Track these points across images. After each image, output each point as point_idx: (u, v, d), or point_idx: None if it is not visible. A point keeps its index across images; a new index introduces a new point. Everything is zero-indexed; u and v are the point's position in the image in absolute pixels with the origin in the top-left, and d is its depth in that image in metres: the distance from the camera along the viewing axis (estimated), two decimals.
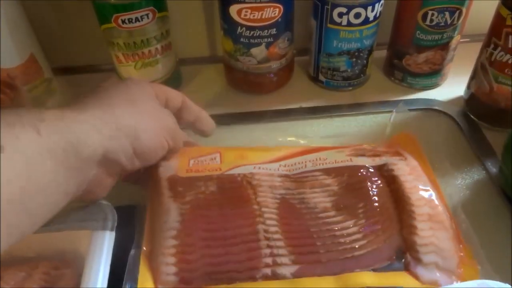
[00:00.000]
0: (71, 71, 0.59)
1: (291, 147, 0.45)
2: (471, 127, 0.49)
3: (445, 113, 0.51)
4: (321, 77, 0.54)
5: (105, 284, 0.30)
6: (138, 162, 0.34)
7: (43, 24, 0.51)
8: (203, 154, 0.44)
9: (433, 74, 0.53)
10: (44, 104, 0.50)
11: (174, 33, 0.51)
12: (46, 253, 0.33)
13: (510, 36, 0.41)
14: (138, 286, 0.32)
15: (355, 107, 0.52)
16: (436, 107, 0.52)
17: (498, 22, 0.42)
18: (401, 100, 0.53)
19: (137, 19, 0.46)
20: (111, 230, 0.32)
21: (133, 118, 0.32)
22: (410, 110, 0.51)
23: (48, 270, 0.32)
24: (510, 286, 0.30)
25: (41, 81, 0.49)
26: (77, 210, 0.33)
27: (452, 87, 0.54)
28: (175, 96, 0.39)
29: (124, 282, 0.32)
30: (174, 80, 0.55)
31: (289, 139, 0.49)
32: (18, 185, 0.25)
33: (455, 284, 0.31)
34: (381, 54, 0.57)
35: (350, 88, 0.54)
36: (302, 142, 0.48)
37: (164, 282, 0.33)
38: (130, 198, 0.41)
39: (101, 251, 0.31)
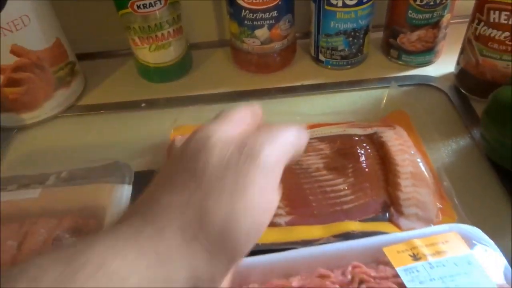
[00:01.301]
0: (91, 57, 0.64)
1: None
2: (461, 100, 0.52)
3: (437, 88, 0.55)
4: (321, 57, 0.58)
5: None
6: (241, 255, 0.23)
7: (67, 12, 0.57)
8: None
9: (426, 52, 0.56)
10: (69, 83, 0.55)
11: (185, 20, 0.56)
12: (72, 205, 0.38)
13: (491, 11, 0.44)
14: None
15: (354, 84, 0.56)
16: (430, 83, 0.55)
17: None
18: (397, 77, 0.57)
19: (150, 5, 0.51)
20: (129, 184, 0.37)
21: (206, 203, 0.22)
22: (405, 85, 0.55)
23: (76, 219, 0.38)
24: (477, 228, 0.34)
25: (66, 64, 0.55)
26: (99, 168, 0.38)
27: (445, 64, 0.57)
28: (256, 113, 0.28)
29: None
30: (185, 62, 0.59)
31: (289, 116, 0.53)
32: None
33: (429, 228, 0.35)
34: (379, 35, 0.60)
35: (349, 66, 0.58)
36: (298, 118, 0.52)
37: None
38: (149, 165, 0.46)
39: (120, 201, 0.36)
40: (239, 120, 0.26)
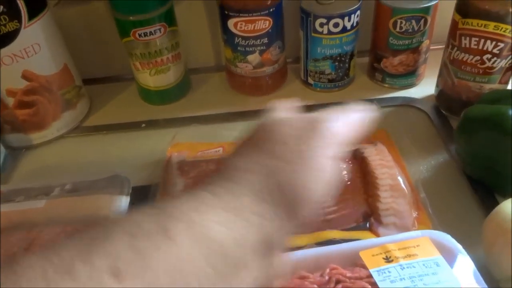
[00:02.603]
0: (96, 81, 0.68)
1: None
2: (441, 119, 0.55)
3: (419, 109, 0.58)
4: (310, 80, 0.62)
5: None
6: (308, 212, 0.25)
7: (74, 40, 0.61)
8: (209, 148, 0.53)
9: (408, 75, 0.60)
10: (75, 105, 0.59)
11: (185, 46, 0.61)
12: (76, 214, 0.42)
13: (462, 37, 0.48)
14: None
15: (340, 106, 0.60)
16: (412, 104, 0.59)
17: (453, 26, 0.50)
18: (382, 99, 0.60)
19: (151, 33, 0.55)
20: (127, 195, 0.41)
21: (275, 168, 0.25)
22: (390, 106, 0.59)
23: (78, 227, 0.41)
24: (447, 234, 0.37)
25: (72, 87, 0.59)
26: (100, 181, 0.42)
27: (427, 86, 0.61)
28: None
29: None
30: (183, 86, 0.63)
31: None
32: None
33: (402, 234, 0.38)
34: (365, 59, 0.64)
35: (336, 89, 0.62)
36: None
37: None
38: (146, 179, 0.50)
39: (119, 211, 0.40)
40: (287, 108, 0.31)
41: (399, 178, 0.45)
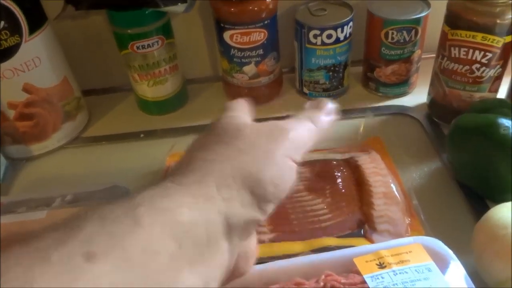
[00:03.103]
0: (95, 93, 0.69)
1: None
2: (433, 127, 0.57)
3: (412, 117, 0.59)
4: (305, 90, 0.63)
5: None
6: (270, 205, 0.27)
7: (74, 53, 0.62)
8: None
9: (401, 84, 0.61)
10: (74, 116, 0.60)
11: (182, 58, 0.62)
12: None
13: (452, 48, 0.50)
14: None
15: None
16: (405, 112, 0.60)
17: (443, 37, 0.51)
18: (375, 107, 0.62)
19: (149, 45, 0.56)
20: None
21: (241, 159, 0.26)
22: (383, 115, 0.60)
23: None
24: (439, 240, 0.38)
25: (72, 99, 0.60)
26: (100, 191, 0.43)
27: (420, 94, 0.62)
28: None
29: None
30: (181, 96, 0.65)
31: None
32: None
33: (395, 240, 0.39)
34: (359, 69, 0.66)
35: (331, 98, 0.63)
36: None
37: None
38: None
39: None
40: (246, 109, 0.33)
41: (392, 185, 0.46)
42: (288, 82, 0.67)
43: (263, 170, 0.26)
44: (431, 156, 0.53)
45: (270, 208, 0.27)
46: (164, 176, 0.50)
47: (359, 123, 0.58)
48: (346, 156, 0.50)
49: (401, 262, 0.36)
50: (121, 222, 0.21)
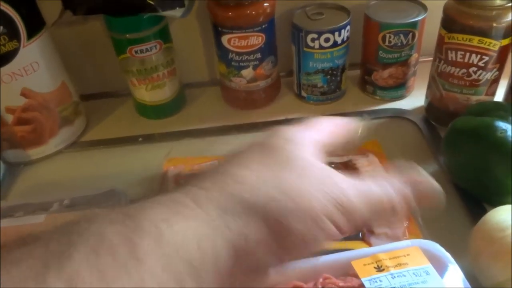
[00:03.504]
0: (93, 97, 0.70)
1: None
2: (430, 130, 0.57)
3: (409, 120, 0.60)
4: (303, 93, 0.63)
5: None
6: (285, 257, 0.24)
7: (71, 59, 0.62)
8: (205, 161, 0.54)
9: (398, 87, 0.61)
10: (72, 121, 0.60)
11: (180, 62, 0.62)
12: None
13: (449, 51, 0.50)
14: None
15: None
16: (402, 115, 0.60)
17: (439, 40, 0.51)
18: (373, 110, 0.62)
19: (147, 50, 0.56)
20: None
21: (271, 187, 0.23)
22: (381, 118, 0.61)
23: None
24: (437, 243, 0.38)
25: (70, 104, 0.60)
26: (98, 195, 0.43)
27: (417, 98, 0.62)
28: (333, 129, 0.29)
29: None
30: (179, 100, 0.65)
31: None
32: None
33: (393, 243, 0.39)
34: (356, 73, 0.66)
35: (329, 101, 0.63)
36: None
37: None
38: (143, 193, 0.50)
39: None
40: (318, 127, 0.29)
41: None
42: (285, 86, 0.67)
43: (293, 215, 0.22)
44: (428, 159, 0.53)
45: (285, 259, 0.24)
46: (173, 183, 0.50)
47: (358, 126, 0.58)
48: (345, 159, 0.50)
49: (399, 265, 0.36)
50: (115, 256, 0.18)
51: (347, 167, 0.50)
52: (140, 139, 0.61)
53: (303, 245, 0.23)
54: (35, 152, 0.58)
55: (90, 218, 0.20)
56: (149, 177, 0.53)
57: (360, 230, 0.42)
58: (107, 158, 0.59)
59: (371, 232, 0.43)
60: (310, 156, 0.25)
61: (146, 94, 0.61)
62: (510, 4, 0.46)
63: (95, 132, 0.63)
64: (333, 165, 0.50)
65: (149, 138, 0.61)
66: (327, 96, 0.62)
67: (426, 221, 0.44)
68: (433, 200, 0.28)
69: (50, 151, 0.59)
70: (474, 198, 0.46)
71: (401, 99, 0.63)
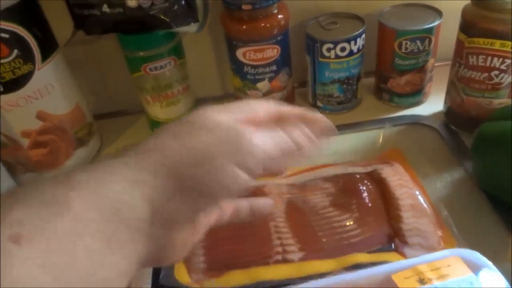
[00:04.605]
0: (106, 116, 0.69)
1: (295, 168, 0.53)
2: (451, 136, 0.56)
3: (428, 126, 0.59)
4: (319, 103, 0.62)
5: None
6: (202, 205, 0.29)
7: (83, 78, 0.62)
8: None
9: (415, 93, 0.61)
10: (87, 142, 0.59)
11: (193, 78, 0.61)
12: None
13: (469, 56, 0.50)
14: (175, 274, 0.40)
15: (351, 127, 0.60)
16: (421, 121, 0.60)
17: (459, 45, 0.51)
18: (390, 118, 0.61)
19: (161, 67, 0.56)
20: None
21: (183, 147, 0.27)
22: (398, 125, 0.60)
23: None
24: (477, 252, 0.37)
25: (84, 125, 0.59)
26: None
27: (434, 103, 0.62)
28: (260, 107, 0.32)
29: (161, 271, 0.40)
30: None
31: None
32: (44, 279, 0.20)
33: (432, 254, 0.38)
34: (371, 80, 0.65)
35: (345, 111, 0.62)
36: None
37: (195, 270, 0.41)
38: None
39: None
40: (245, 110, 0.31)
41: (420, 197, 0.45)
42: (298, 97, 0.67)
43: (201, 170, 0.26)
44: (452, 165, 0.52)
45: (203, 207, 0.29)
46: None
47: (377, 135, 0.58)
48: (369, 169, 0.50)
49: (441, 276, 0.35)
50: (51, 205, 0.22)
51: (372, 177, 0.49)
52: None
53: (218, 192, 0.28)
54: (50, 175, 0.57)
55: (39, 180, 0.24)
56: None
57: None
58: None
59: (404, 243, 0.42)
60: (218, 116, 0.29)
61: (161, 111, 0.60)
62: None
63: (110, 152, 0.62)
64: (358, 176, 0.49)
65: None
66: (343, 105, 0.62)
67: (460, 230, 0.43)
68: (326, 132, 0.33)
69: None
70: (505, 204, 0.45)
71: (418, 105, 0.62)
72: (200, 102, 0.66)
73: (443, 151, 0.55)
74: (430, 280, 0.34)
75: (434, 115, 0.60)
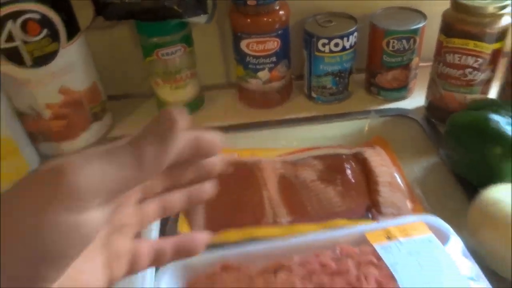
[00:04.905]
0: (118, 98, 0.75)
1: (289, 148, 0.59)
2: (430, 127, 0.62)
3: (411, 118, 0.65)
4: (313, 94, 0.69)
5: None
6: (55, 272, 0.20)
7: (98, 61, 0.68)
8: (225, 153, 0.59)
9: (401, 89, 0.67)
10: (101, 118, 0.65)
11: (199, 66, 0.68)
12: None
13: (447, 54, 0.56)
14: (178, 227, 0.46)
15: (341, 116, 0.67)
16: (405, 114, 0.66)
17: (439, 45, 0.57)
18: (377, 110, 0.67)
19: (172, 53, 0.62)
20: None
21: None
22: (384, 116, 0.66)
23: None
24: (438, 217, 0.43)
25: (99, 102, 0.65)
26: None
27: (418, 98, 0.68)
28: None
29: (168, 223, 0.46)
30: (198, 101, 0.70)
31: (287, 142, 0.63)
32: None
33: (402, 218, 0.44)
34: (362, 76, 0.72)
35: (337, 102, 0.69)
36: (295, 143, 0.62)
37: (195, 226, 0.47)
38: None
39: None
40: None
41: (396, 175, 0.51)
42: (296, 88, 0.73)
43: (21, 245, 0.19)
44: (429, 152, 0.58)
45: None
46: None
47: (364, 124, 0.64)
48: (354, 151, 0.56)
49: (407, 235, 0.41)
50: None
51: (356, 157, 0.55)
52: None
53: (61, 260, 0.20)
54: (67, 145, 0.63)
55: None
56: None
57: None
58: None
59: (380, 213, 0.48)
60: None
61: (170, 94, 0.66)
62: (501, 12, 0.52)
63: (121, 129, 0.68)
64: (344, 156, 0.55)
65: None
66: (335, 96, 0.68)
67: (428, 204, 0.49)
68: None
69: (80, 145, 0.64)
70: (471, 185, 0.51)
71: (403, 99, 0.69)
72: (204, 88, 0.72)
73: (423, 140, 0.61)
74: (395, 237, 0.40)
75: (417, 109, 0.67)
